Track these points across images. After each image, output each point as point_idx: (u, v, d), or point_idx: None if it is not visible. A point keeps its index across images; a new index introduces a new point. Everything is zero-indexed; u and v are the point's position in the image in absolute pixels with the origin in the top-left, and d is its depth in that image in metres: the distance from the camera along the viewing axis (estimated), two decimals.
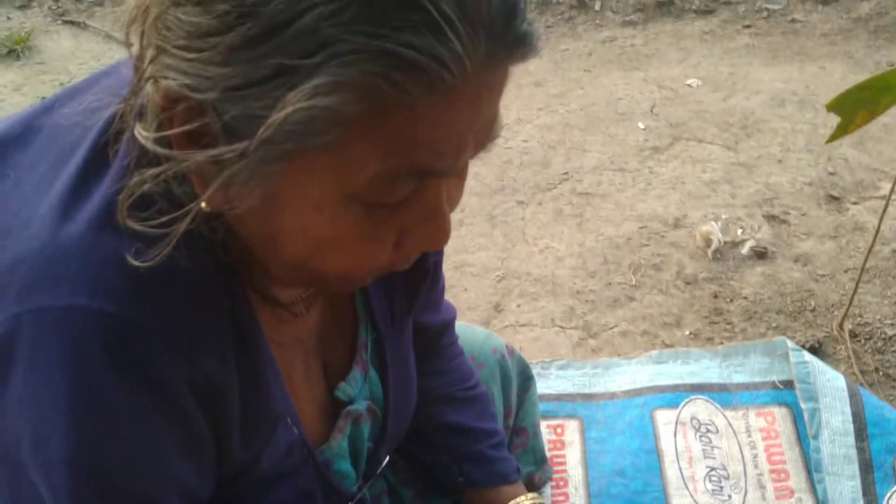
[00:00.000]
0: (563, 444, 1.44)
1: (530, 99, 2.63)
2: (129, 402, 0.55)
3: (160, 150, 0.50)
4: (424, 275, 0.87)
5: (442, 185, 0.55)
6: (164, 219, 0.52)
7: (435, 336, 1.05)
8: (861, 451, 1.31)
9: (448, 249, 1.04)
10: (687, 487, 1.33)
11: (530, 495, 1.07)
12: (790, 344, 1.50)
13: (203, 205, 0.52)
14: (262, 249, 0.58)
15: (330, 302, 0.79)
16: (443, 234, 0.58)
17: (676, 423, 1.43)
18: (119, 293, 0.53)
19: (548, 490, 1.36)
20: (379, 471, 0.92)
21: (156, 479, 0.60)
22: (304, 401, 0.77)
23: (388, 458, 0.93)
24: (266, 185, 0.50)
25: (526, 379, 1.32)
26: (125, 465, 0.57)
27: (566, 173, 2.22)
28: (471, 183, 2.00)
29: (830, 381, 1.40)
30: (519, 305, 1.77)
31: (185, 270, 0.55)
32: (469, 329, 1.20)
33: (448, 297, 1.06)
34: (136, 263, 0.52)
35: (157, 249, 0.52)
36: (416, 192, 0.54)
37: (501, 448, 1.09)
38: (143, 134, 0.51)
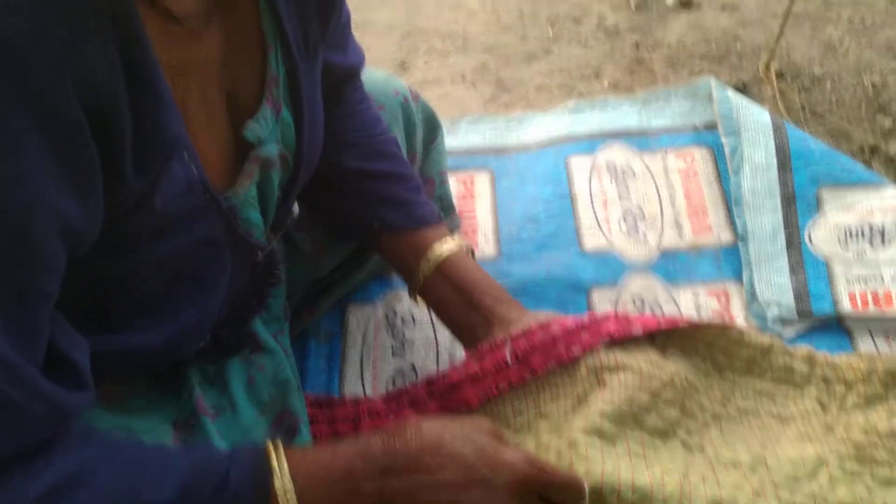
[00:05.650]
0: (472, 195, 1.34)
1: None
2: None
3: None
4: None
5: None
6: None
7: (341, 80, 0.96)
8: (784, 184, 1.23)
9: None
10: (601, 228, 1.25)
11: (456, 237, 0.98)
12: (714, 82, 1.39)
13: None
14: None
15: (234, 22, 0.67)
16: None
17: (592, 168, 1.34)
18: None
19: None
20: (289, 221, 0.82)
21: (34, 211, 0.49)
22: (204, 138, 0.67)
23: (296, 208, 0.83)
24: None
25: (433, 128, 1.23)
26: None
27: None
28: None
29: (754, 116, 1.30)
30: (426, 62, 1.62)
31: None
32: (367, 71, 1.07)
33: None
34: None
35: None
36: None
37: (419, 193, 1.01)
38: None
